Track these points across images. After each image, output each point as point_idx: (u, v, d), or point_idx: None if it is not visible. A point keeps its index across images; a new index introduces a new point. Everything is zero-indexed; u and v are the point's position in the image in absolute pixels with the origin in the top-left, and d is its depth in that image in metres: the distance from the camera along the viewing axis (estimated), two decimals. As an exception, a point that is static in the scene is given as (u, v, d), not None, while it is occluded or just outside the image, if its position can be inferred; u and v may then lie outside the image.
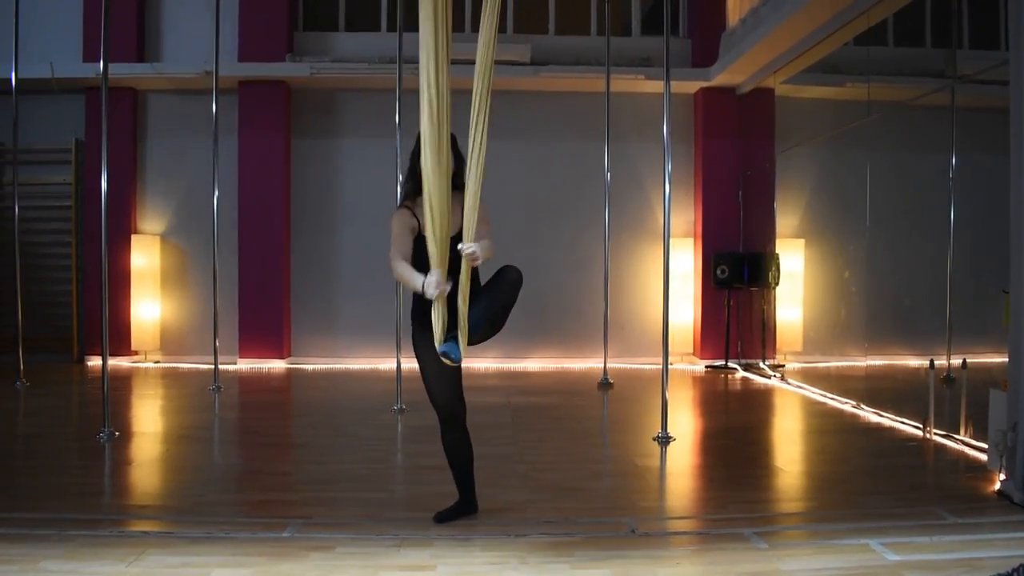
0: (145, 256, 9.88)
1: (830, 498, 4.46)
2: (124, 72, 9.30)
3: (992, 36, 5.76)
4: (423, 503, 4.20)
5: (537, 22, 10.22)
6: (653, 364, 9.77)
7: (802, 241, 8.93)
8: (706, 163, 10.03)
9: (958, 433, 5.61)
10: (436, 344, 3.65)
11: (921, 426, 5.93)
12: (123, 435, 5.80)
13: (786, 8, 7.56)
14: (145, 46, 9.96)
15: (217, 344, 8.16)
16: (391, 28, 9.93)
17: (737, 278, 9.51)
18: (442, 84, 3.63)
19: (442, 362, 3.73)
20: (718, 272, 9.56)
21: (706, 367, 9.86)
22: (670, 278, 6.05)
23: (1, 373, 8.35)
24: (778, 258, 8.94)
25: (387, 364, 8.99)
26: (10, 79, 8.13)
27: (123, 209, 9.72)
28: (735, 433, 6.29)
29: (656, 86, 9.41)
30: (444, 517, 3.88)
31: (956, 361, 5.97)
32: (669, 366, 6.03)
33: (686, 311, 10.17)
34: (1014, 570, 3.11)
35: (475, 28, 10.65)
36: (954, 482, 4.73)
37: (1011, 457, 4.26)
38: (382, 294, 8.83)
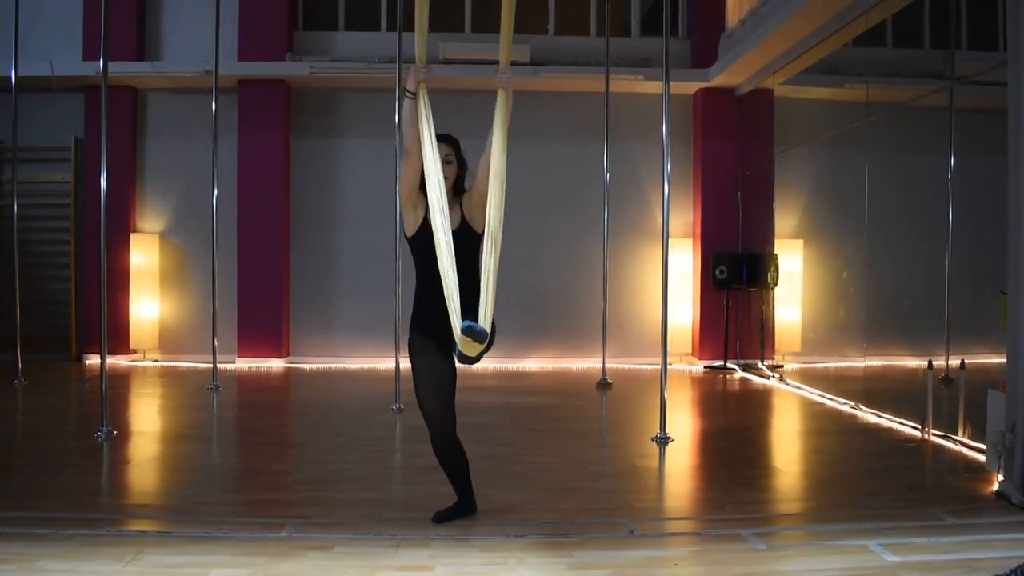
0: (144, 255, 9.87)
1: (828, 499, 4.46)
2: (124, 71, 9.29)
3: (990, 37, 5.77)
4: (421, 503, 4.20)
5: (537, 22, 10.22)
6: (652, 364, 9.77)
7: (801, 242, 8.94)
8: (705, 164, 10.04)
9: (956, 434, 5.61)
10: (455, 328, 3.45)
11: (919, 427, 5.93)
12: (121, 434, 5.79)
13: (785, 9, 7.57)
14: (145, 45, 9.97)
15: (216, 343, 8.15)
16: (391, 28, 9.93)
17: (736, 278, 9.51)
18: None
19: (438, 371, 3.76)
20: (717, 272, 9.56)
21: (705, 367, 9.86)
22: (669, 278, 6.05)
23: (-1, 372, 8.36)
24: (777, 259, 8.94)
25: (386, 364, 8.98)
26: (10, 77, 8.12)
27: (122, 208, 9.72)
28: (734, 434, 6.29)
29: (655, 87, 9.43)
30: (443, 517, 3.88)
31: (954, 362, 5.97)
32: (668, 366, 6.03)
33: (685, 311, 10.17)
34: (1012, 571, 3.11)
35: (474, 28, 10.70)
36: (953, 483, 4.73)
37: (1009, 458, 4.26)
38: (381, 293, 8.84)
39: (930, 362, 5.85)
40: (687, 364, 10.16)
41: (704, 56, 9.92)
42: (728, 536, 3.70)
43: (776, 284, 8.97)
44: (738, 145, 10.03)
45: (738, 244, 9.95)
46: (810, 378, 8.41)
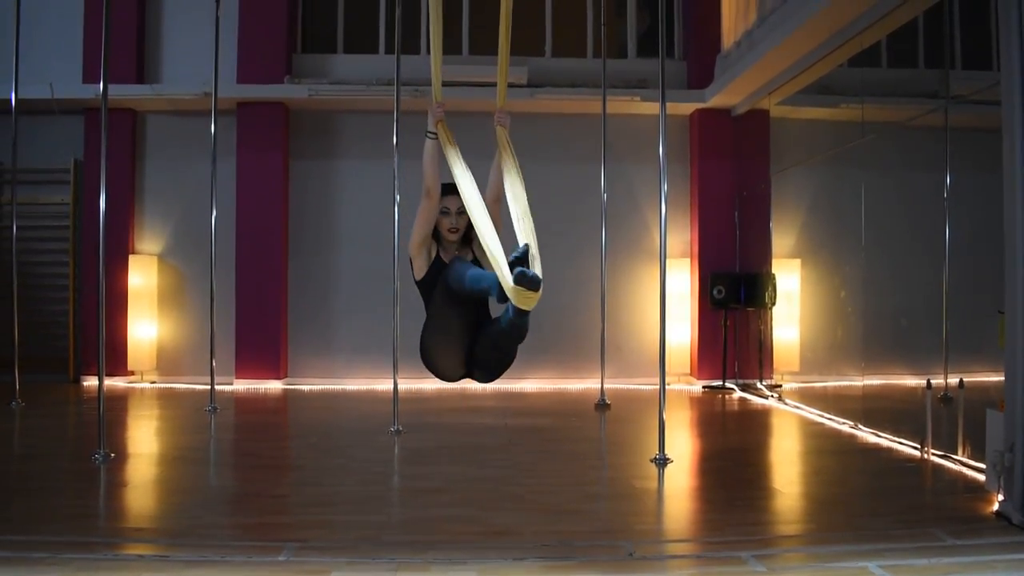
0: (142, 276, 9.88)
1: (828, 520, 4.45)
2: (123, 93, 9.34)
3: (984, 57, 5.81)
4: (420, 526, 4.19)
5: (534, 44, 10.29)
6: (650, 385, 9.76)
7: (798, 261, 8.94)
8: (702, 184, 10.07)
9: (956, 453, 5.60)
10: (506, 283, 3.28)
11: (919, 446, 5.92)
12: (119, 456, 5.77)
13: (780, 31, 7.63)
14: (144, 67, 10.02)
15: (213, 364, 8.13)
16: (389, 51, 9.99)
17: (734, 298, 9.52)
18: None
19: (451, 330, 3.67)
20: (715, 292, 9.57)
21: (703, 387, 9.85)
22: (667, 298, 6.06)
23: (-3, 394, 8.34)
24: (774, 278, 8.96)
25: (384, 385, 8.95)
26: (10, 99, 8.16)
27: (121, 229, 9.74)
28: (733, 454, 6.28)
29: (652, 108, 9.48)
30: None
31: (953, 381, 5.96)
32: (666, 387, 6.02)
33: (683, 331, 10.17)
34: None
35: (472, 51, 10.79)
36: (952, 503, 4.72)
37: (1009, 477, 4.25)
38: (379, 315, 8.83)
39: (929, 381, 5.85)
40: (686, 384, 10.14)
41: (700, 77, 9.98)
42: (728, 559, 3.69)
43: (774, 303, 8.98)
44: (735, 165, 10.07)
45: (736, 264, 9.97)
46: (809, 398, 8.40)
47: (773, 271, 9.02)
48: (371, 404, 8.56)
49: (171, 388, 9.64)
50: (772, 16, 8.01)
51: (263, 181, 9.82)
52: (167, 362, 10.04)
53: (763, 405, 8.62)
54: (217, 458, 6.34)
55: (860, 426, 6.97)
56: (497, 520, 4.28)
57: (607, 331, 8.49)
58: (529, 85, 9.65)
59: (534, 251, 3.41)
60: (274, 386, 9.73)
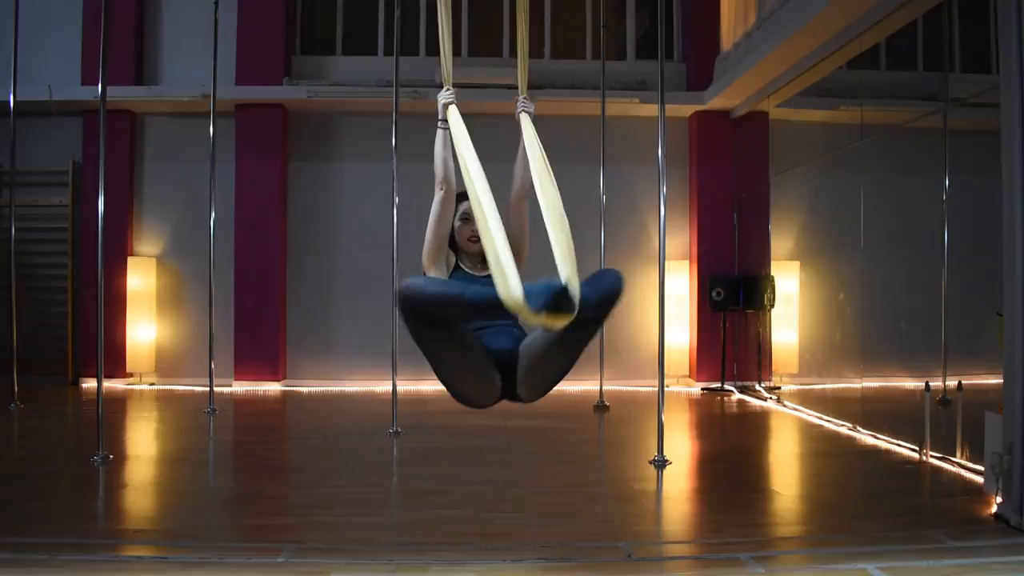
0: (141, 278, 9.87)
1: (827, 522, 4.45)
2: (122, 95, 9.33)
3: (983, 60, 5.82)
4: (419, 528, 4.19)
5: (533, 46, 10.24)
6: (649, 387, 9.75)
7: (797, 263, 8.95)
8: (701, 186, 10.08)
9: (954, 455, 5.60)
10: (526, 313, 2.58)
11: (917, 448, 5.93)
12: (117, 458, 5.77)
13: (779, 33, 7.64)
14: (143, 69, 10.02)
15: (212, 366, 8.13)
16: (388, 52, 9.98)
17: (733, 300, 9.52)
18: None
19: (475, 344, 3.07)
20: (714, 294, 9.57)
21: (702, 389, 9.85)
22: (666, 300, 6.06)
23: (-5, 396, 8.33)
24: (773, 280, 8.96)
25: (383, 386, 8.95)
26: (8, 102, 8.16)
27: (120, 231, 9.73)
28: (731, 456, 6.28)
29: (651, 110, 9.47)
30: None
31: (952, 383, 5.97)
32: (665, 389, 6.02)
33: (682, 333, 10.17)
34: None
35: (472, 52, 10.78)
36: (951, 505, 4.72)
37: (1007, 480, 4.25)
38: (378, 317, 8.83)
39: (927, 383, 5.85)
40: (684, 386, 10.14)
41: (699, 79, 9.99)
42: (726, 560, 3.69)
43: (773, 306, 8.98)
44: (734, 167, 10.07)
45: (734, 266, 9.97)
46: (807, 400, 8.40)
47: (772, 273, 9.03)
48: (370, 406, 8.56)
49: (170, 390, 9.63)
50: (771, 18, 8.02)
51: (262, 183, 9.82)
52: (166, 364, 10.03)
53: (762, 407, 8.62)
54: (216, 460, 6.34)
55: (859, 428, 6.97)
56: (496, 522, 4.28)
57: (606, 333, 8.50)
58: (529, 86, 9.63)
59: (574, 287, 2.65)
60: (273, 388, 9.72)
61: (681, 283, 10.18)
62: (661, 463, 5.62)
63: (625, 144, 9.86)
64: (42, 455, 6.07)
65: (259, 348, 9.74)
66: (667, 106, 6.26)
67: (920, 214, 6.69)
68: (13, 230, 8.27)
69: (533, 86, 9.66)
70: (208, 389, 8.05)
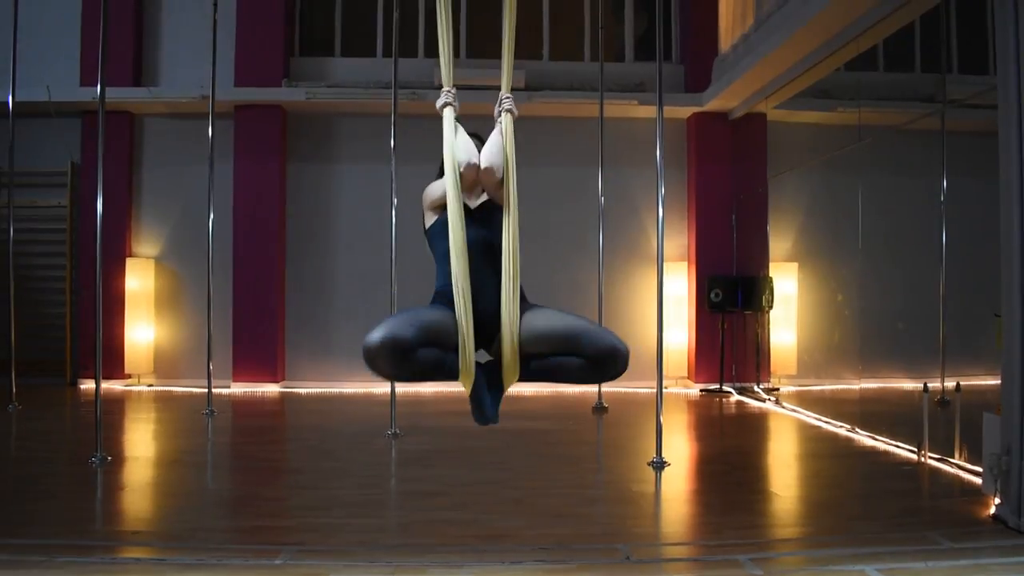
0: (139, 279, 9.87)
1: (825, 523, 4.45)
2: (121, 96, 9.33)
3: (981, 61, 5.82)
4: (417, 530, 4.19)
5: (531, 48, 10.30)
6: (647, 388, 9.73)
7: (795, 265, 8.96)
8: (699, 187, 10.09)
9: (953, 457, 5.61)
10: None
11: (916, 450, 5.93)
12: (115, 460, 5.76)
13: (777, 35, 7.65)
14: (142, 70, 10.02)
15: (211, 368, 8.12)
16: (387, 54, 9.99)
17: (731, 302, 9.53)
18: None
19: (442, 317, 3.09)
20: (712, 296, 9.58)
21: (701, 391, 9.85)
22: (664, 302, 6.06)
23: (-7, 397, 8.33)
24: (772, 282, 8.97)
25: (381, 388, 8.96)
26: (7, 102, 8.15)
27: (118, 232, 9.73)
28: (730, 458, 6.28)
29: (649, 111, 9.46)
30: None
31: (950, 384, 5.98)
32: (663, 390, 6.02)
33: (680, 335, 10.17)
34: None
35: (470, 54, 10.78)
36: (949, 506, 4.72)
37: (1006, 481, 4.26)
38: (376, 318, 8.79)
39: (925, 384, 5.86)
40: (683, 387, 10.14)
41: (697, 81, 10.00)
42: (725, 562, 3.69)
43: (771, 307, 8.99)
44: (732, 169, 10.08)
45: (733, 267, 9.98)
46: (806, 401, 8.41)
47: (770, 274, 9.04)
48: (368, 407, 8.56)
49: (168, 391, 9.62)
50: (769, 20, 8.03)
51: (260, 184, 9.82)
52: (164, 365, 10.03)
53: (760, 408, 8.62)
54: (214, 461, 6.33)
55: (857, 429, 6.98)
56: (494, 523, 4.28)
57: (604, 334, 8.46)
58: (527, 88, 9.66)
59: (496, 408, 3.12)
60: (271, 389, 9.72)
61: (679, 284, 10.19)
62: (660, 465, 5.62)
63: (623, 145, 9.86)
64: (40, 456, 6.07)
65: (258, 349, 9.73)
66: (665, 108, 6.26)
67: (918, 215, 6.70)
68: (12, 231, 8.25)
69: (532, 87, 9.77)
70: (206, 390, 8.04)
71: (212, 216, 8.07)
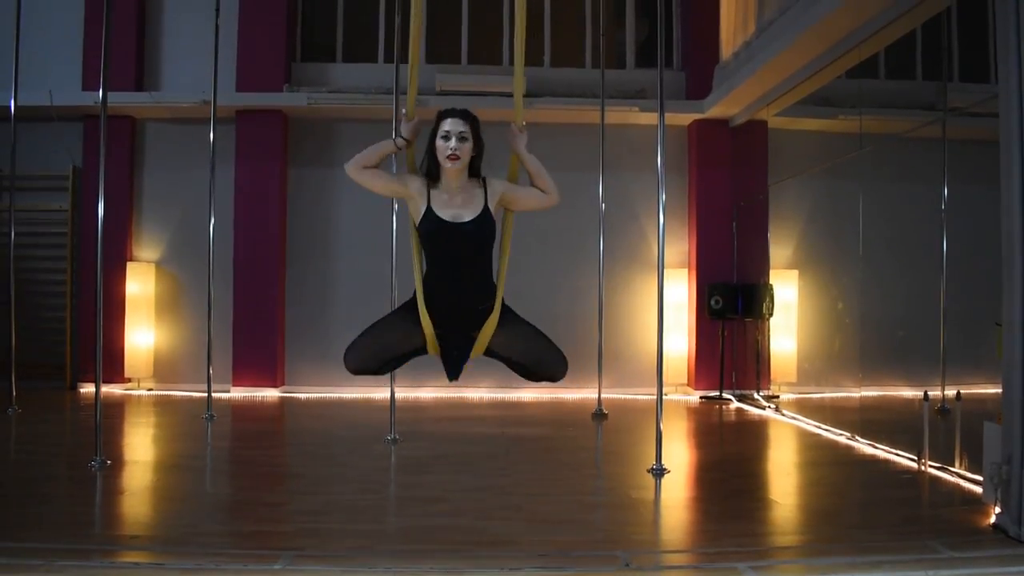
0: (140, 283, 9.87)
1: (825, 531, 4.44)
2: (122, 101, 9.34)
3: (982, 69, 5.83)
4: (417, 535, 4.18)
5: (532, 54, 10.32)
6: (647, 395, 9.75)
7: (796, 272, 8.96)
8: (700, 194, 10.09)
9: (953, 465, 5.60)
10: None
11: (916, 458, 5.92)
12: (115, 463, 5.76)
13: (778, 42, 7.66)
14: (144, 75, 10.04)
15: (211, 372, 8.12)
16: (388, 59, 10.01)
17: (731, 309, 9.52)
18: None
19: (401, 336, 3.82)
20: (712, 303, 9.58)
21: (701, 398, 9.85)
22: (664, 308, 6.06)
23: (-7, 400, 8.32)
24: (772, 289, 8.97)
25: (381, 393, 8.95)
26: (9, 106, 8.16)
27: (119, 236, 9.74)
28: (730, 465, 6.27)
29: (650, 118, 9.49)
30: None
31: (950, 392, 5.97)
32: (663, 397, 6.01)
33: (680, 342, 10.17)
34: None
35: (471, 60, 10.79)
36: (949, 515, 4.71)
37: (1006, 490, 4.25)
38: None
39: (926, 393, 5.85)
40: (683, 394, 10.14)
41: (698, 88, 10.01)
42: (724, 569, 3.68)
43: (771, 314, 8.99)
44: (733, 176, 10.08)
45: (733, 274, 9.98)
46: (806, 409, 8.40)
47: (771, 282, 9.04)
48: (368, 412, 8.55)
49: (168, 395, 9.62)
50: (771, 27, 8.04)
51: (261, 189, 9.83)
52: (164, 369, 10.02)
53: (760, 416, 8.62)
54: (214, 466, 6.32)
55: (857, 437, 6.97)
56: (493, 529, 4.27)
57: (605, 341, 8.49)
58: (528, 94, 9.65)
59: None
60: (271, 394, 9.71)
61: (680, 291, 10.19)
62: (659, 471, 5.61)
63: (624, 152, 9.87)
64: (40, 460, 6.06)
65: (257, 354, 9.73)
66: (666, 114, 6.26)
67: (919, 223, 6.70)
68: (13, 235, 8.26)
69: (532, 93, 9.79)
70: (206, 395, 8.04)
71: (213, 221, 8.08)
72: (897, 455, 6.26)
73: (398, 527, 4.51)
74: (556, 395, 9.85)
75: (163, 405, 8.95)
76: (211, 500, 5.14)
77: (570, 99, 9.82)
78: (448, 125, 3.64)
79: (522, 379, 3.95)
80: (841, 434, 7.22)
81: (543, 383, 3.88)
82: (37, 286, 9.83)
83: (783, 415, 8.49)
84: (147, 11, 10.11)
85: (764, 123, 9.31)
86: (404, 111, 3.78)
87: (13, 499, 4.89)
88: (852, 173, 7.41)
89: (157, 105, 9.70)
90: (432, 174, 3.74)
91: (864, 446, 6.74)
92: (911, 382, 6.68)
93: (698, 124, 10.09)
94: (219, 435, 7.36)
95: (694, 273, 10.15)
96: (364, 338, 3.88)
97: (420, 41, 3.84)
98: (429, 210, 3.66)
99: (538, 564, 3.71)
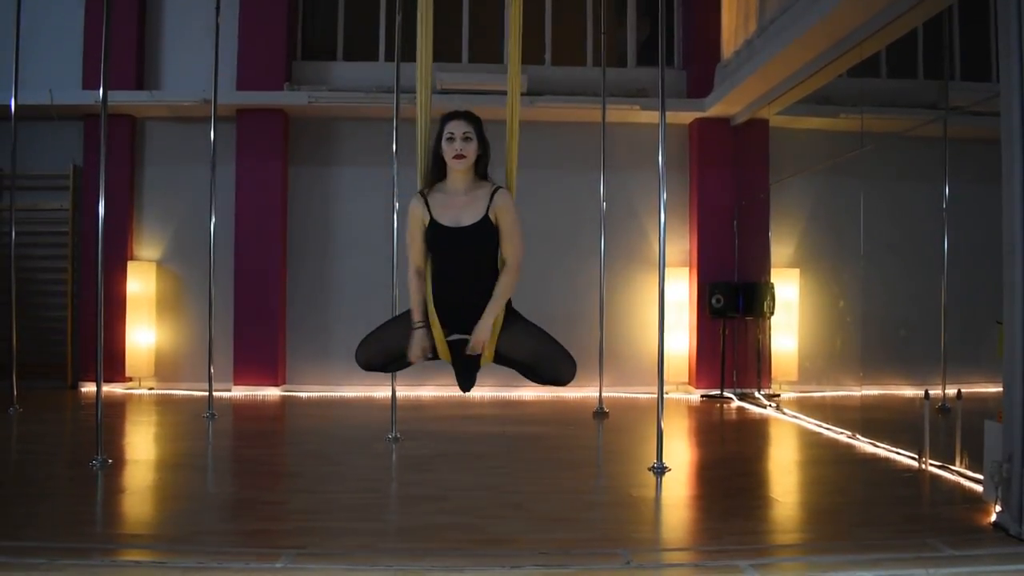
0: (141, 282, 9.87)
1: (826, 530, 4.44)
2: (123, 99, 9.34)
3: (983, 68, 5.83)
4: (418, 534, 4.18)
5: (533, 53, 10.31)
6: (648, 393, 9.75)
7: (797, 271, 8.96)
8: (701, 193, 10.09)
9: (954, 464, 5.60)
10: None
11: (917, 457, 5.92)
12: (116, 463, 5.76)
13: (779, 41, 7.65)
14: (144, 74, 10.04)
15: (212, 371, 8.12)
16: (388, 58, 10.02)
17: (732, 307, 9.52)
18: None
19: (403, 343, 3.82)
20: (713, 301, 9.57)
21: (701, 396, 9.85)
22: (665, 307, 6.06)
23: (-6, 399, 8.32)
24: (773, 287, 8.96)
25: (382, 392, 8.96)
26: (9, 105, 8.16)
27: (120, 235, 9.74)
28: (730, 463, 6.27)
29: (651, 117, 9.50)
30: None
31: (951, 391, 5.96)
32: (664, 395, 6.02)
33: (681, 340, 10.17)
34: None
35: (472, 59, 10.79)
36: (950, 513, 4.71)
37: (1007, 488, 4.25)
38: (377, 322, 8.80)
39: (927, 391, 5.85)
40: (684, 393, 10.14)
41: (700, 86, 10.00)
42: (725, 567, 3.68)
43: (772, 313, 8.98)
44: (734, 174, 10.08)
45: (734, 273, 9.98)
46: (807, 407, 8.40)
47: (772, 280, 9.03)
48: (369, 411, 8.56)
49: (169, 394, 9.63)
50: (772, 26, 8.04)
51: (262, 188, 9.83)
52: (165, 368, 10.03)
53: (761, 414, 8.61)
54: (215, 465, 6.33)
55: (858, 436, 6.97)
56: (495, 528, 4.27)
57: (606, 339, 8.49)
58: (529, 93, 9.66)
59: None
60: (272, 393, 9.72)
61: (681, 290, 10.19)
62: (660, 470, 5.61)
63: (625, 151, 9.87)
64: (41, 459, 6.06)
65: (258, 353, 9.74)
66: (667, 113, 6.26)
67: (920, 222, 6.69)
68: (13, 234, 8.26)
69: (533, 92, 9.78)
70: (207, 394, 8.04)
71: (213, 219, 8.08)
72: (898, 454, 6.26)
73: (399, 525, 4.52)
74: (557, 394, 9.85)
75: (164, 404, 8.95)
76: (212, 499, 5.14)
77: (571, 97, 9.81)
78: (453, 127, 3.76)
79: (523, 378, 3.94)
80: (842, 433, 7.22)
81: (550, 385, 3.92)
82: (38, 285, 9.83)
83: (784, 414, 8.49)
84: (147, 10, 10.11)
85: (765, 122, 9.31)
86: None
87: (14, 498, 4.90)
88: (853, 172, 7.40)
89: (158, 104, 9.70)
90: (436, 176, 3.84)
91: (865, 444, 6.74)
92: (912, 381, 6.68)
93: (699, 123, 10.08)
94: (220, 434, 7.36)
95: (695, 272, 10.15)
96: (376, 335, 3.94)
97: (428, 69, 3.98)
98: (432, 219, 3.78)
99: (539, 562, 3.72)
